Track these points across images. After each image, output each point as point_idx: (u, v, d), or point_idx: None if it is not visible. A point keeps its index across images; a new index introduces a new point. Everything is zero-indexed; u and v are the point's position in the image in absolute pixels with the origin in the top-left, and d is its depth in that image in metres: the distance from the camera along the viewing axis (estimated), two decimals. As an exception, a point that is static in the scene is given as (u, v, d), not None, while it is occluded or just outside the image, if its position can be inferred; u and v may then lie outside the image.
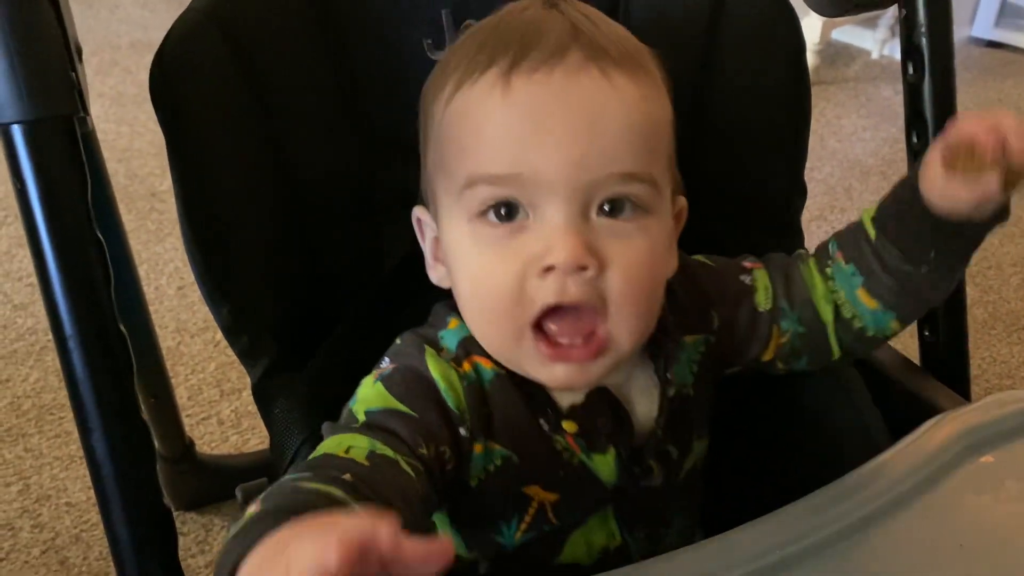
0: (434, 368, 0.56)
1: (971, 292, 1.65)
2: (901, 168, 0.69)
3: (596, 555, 0.61)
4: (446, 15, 0.71)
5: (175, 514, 0.66)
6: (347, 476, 0.47)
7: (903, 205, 0.60)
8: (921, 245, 0.60)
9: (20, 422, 1.34)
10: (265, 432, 0.70)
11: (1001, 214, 0.58)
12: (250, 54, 0.67)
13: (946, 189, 0.56)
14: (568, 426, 0.58)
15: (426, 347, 0.58)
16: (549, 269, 0.52)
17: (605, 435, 0.59)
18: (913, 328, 0.73)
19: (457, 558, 0.62)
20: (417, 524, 0.51)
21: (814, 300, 0.64)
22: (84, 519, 1.20)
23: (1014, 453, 0.56)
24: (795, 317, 0.65)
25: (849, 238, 0.64)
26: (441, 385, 0.56)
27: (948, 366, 0.84)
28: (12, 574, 1.13)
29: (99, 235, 0.61)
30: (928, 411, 0.61)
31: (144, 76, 0.65)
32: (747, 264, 0.67)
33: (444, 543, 0.35)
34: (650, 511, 0.62)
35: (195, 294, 1.53)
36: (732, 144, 0.76)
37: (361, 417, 0.54)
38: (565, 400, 0.59)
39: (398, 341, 0.60)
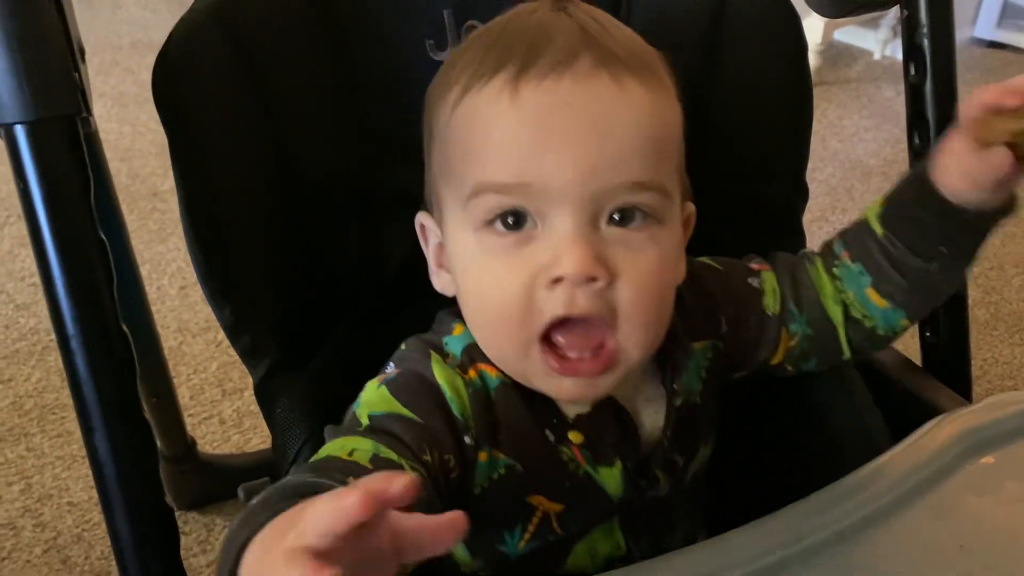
0: (440, 375, 0.55)
1: (973, 293, 1.64)
2: (903, 169, 0.69)
3: (600, 564, 0.61)
4: (448, 15, 0.71)
5: (177, 513, 0.66)
6: (350, 479, 0.46)
7: (911, 199, 0.60)
8: (930, 240, 0.59)
9: (22, 422, 1.34)
10: (267, 432, 0.70)
11: (1010, 204, 0.58)
12: (252, 54, 0.67)
13: (966, 167, 0.55)
14: (574, 436, 0.57)
15: (432, 353, 0.57)
16: (558, 280, 0.51)
17: (611, 447, 0.58)
18: (914, 328, 0.73)
19: (461, 566, 0.61)
20: None
21: (823, 301, 0.64)
22: (86, 518, 1.20)
23: (1015, 454, 0.56)
24: (804, 319, 0.64)
25: (854, 236, 0.63)
26: (447, 392, 0.55)
27: (949, 367, 0.84)
28: (14, 573, 1.13)
29: (102, 235, 0.61)
30: (929, 412, 0.61)
31: (145, 76, 0.65)
32: (754, 266, 0.66)
33: (456, 516, 0.34)
34: (656, 520, 0.62)
35: (197, 294, 1.53)
36: (733, 145, 0.76)
37: (364, 420, 0.53)
38: (571, 410, 0.58)
39: (403, 346, 0.59)
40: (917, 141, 0.81)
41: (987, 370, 1.50)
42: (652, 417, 0.60)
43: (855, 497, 0.53)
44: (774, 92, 0.76)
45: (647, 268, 0.52)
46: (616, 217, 0.52)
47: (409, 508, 0.48)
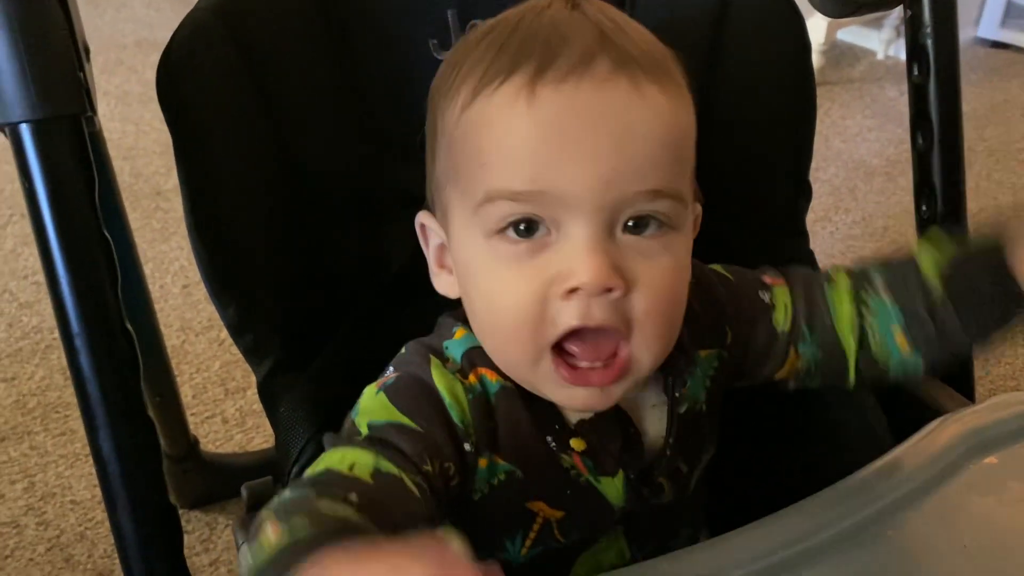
0: (439, 380, 0.54)
1: (976, 293, 1.64)
2: (906, 169, 0.69)
3: (605, 571, 0.60)
4: (452, 15, 0.71)
5: (179, 512, 0.66)
6: (352, 496, 0.45)
7: (982, 278, 0.57)
8: (985, 319, 0.58)
9: (25, 420, 1.35)
10: (270, 430, 0.71)
11: None
12: (256, 53, 0.67)
13: None
14: (576, 444, 0.56)
15: (431, 358, 0.56)
16: (573, 291, 0.49)
17: (613, 456, 0.57)
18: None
19: None
20: None
21: (837, 327, 0.61)
22: (89, 517, 1.20)
23: (1018, 454, 0.56)
24: (815, 341, 0.62)
25: (902, 280, 0.60)
26: (446, 398, 0.54)
27: (952, 367, 0.84)
28: (17, 571, 1.14)
29: (106, 234, 0.61)
30: (932, 412, 0.61)
31: (149, 75, 0.65)
32: (767, 279, 0.64)
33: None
34: (660, 527, 0.61)
35: (200, 293, 1.53)
36: (737, 144, 0.75)
37: (364, 430, 0.52)
38: (574, 415, 0.57)
39: (403, 351, 0.58)
40: (920, 141, 0.81)
41: (990, 371, 1.50)
42: (655, 424, 0.59)
43: (859, 497, 0.53)
44: (777, 91, 0.76)
45: (662, 277, 0.51)
46: (631, 224, 0.51)
47: (415, 523, 0.47)
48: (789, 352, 0.62)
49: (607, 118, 0.49)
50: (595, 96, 0.49)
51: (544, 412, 0.56)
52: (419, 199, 0.62)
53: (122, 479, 0.61)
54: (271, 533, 0.42)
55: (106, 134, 0.86)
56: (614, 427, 0.57)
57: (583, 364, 0.52)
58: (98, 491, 0.63)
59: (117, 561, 0.64)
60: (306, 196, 0.70)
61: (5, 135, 0.59)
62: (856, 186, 1.98)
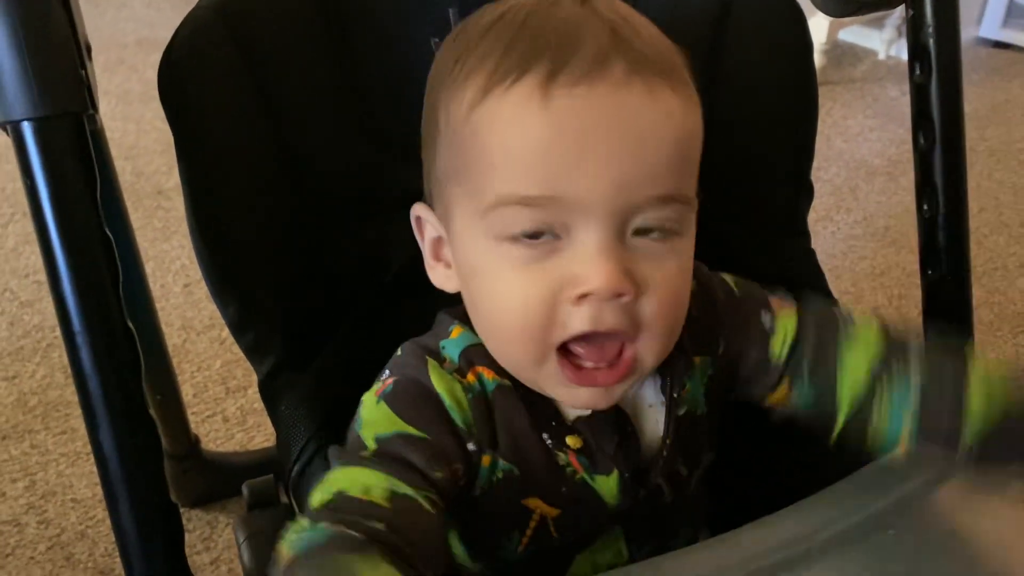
0: (438, 383, 0.54)
1: (977, 293, 1.64)
2: (907, 169, 0.69)
3: (602, 571, 0.60)
4: (453, 14, 0.71)
5: (180, 511, 0.66)
6: (375, 524, 0.45)
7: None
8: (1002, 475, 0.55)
9: (27, 418, 1.35)
10: (271, 429, 0.71)
11: None
12: (256, 53, 0.67)
13: None
14: (572, 442, 0.56)
15: (428, 359, 0.55)
16: (584, 296, 0.49)
17: (608, 455, 0.57)
18: (916, 328, 0.72)
19: (463, 570, 0.61)
20: (439, 560, 0.49)
21: (838, 383, 0.59)
22: (90, 515, 1.20)
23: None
24: (810, 390, 0.60)
25: (938, 387, 0.56)
26: (447, 400, 0.54)
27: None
28: (18, 570, 1.14)
29: (108, 232, 0.61)
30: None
31: (150, 74, 0.65)
32: (774, 302, 0.62)
33: None
34: (660, 527, 0.61)
35: (201, 292, 1.53)
36: (738, 144, 0.75)
37: (371, 444, 0.52)
38: (571, 412, 0.57)
39: (398, 352, 0.58)
40: (922, 141, 0.81)
41: (990, 371, 1.50)
42: (652, 424, 0.59)
43: (859, 497, 0.53)
44: (779, 91, 0.76)
45: (670, 280, 0.51)
46: (640, 228, 0.50)
47: (428, 540, 0.47)
48: (781, 383, 0.61)
49: (621, 123, 0.48)
50: (610, 100, 0.48)
51: (541, 409, 0.56)
52: (420, 199, 0.62)
53: (123, 477, 0.61)
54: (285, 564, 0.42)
55: (107, 133, 0.86)
56: (611, 425, 0.57)
57: (588, 364, 0.52)
58: (99, 489, 0.63)
59: (118, 559, 0.64)
60: (306, 196, 0.70)
61: (7, 133, 0.59)
62: (857, 186, 1.98)
